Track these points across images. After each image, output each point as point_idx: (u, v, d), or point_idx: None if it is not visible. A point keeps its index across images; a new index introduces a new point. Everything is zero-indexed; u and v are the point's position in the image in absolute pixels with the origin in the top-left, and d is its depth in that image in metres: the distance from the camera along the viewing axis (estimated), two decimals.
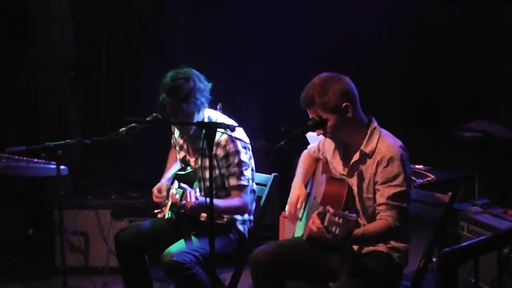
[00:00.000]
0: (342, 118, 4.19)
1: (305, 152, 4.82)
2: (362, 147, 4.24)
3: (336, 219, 3.81)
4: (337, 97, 4.16)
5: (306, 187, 4.73)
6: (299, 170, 4.76)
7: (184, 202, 4.64)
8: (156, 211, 5.16)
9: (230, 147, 4.84)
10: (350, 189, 4.28)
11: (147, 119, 4.69)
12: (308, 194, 4.71)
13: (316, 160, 4.74)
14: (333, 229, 3.80)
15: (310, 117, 4.23)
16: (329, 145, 4.50)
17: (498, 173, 6.60)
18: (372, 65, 7.49)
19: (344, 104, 4.16)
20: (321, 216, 3.90)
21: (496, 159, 6.54)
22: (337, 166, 4.42)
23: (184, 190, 4.69)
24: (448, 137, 6.54)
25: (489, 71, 7.21)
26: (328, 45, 7.57)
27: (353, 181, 4.29)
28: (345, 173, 4.34)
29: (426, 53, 7.61)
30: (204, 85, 4.83)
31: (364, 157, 4.24)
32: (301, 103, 4.25)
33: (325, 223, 3.85)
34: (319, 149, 4.67)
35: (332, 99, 4.15)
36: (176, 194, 4.77)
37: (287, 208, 4.62)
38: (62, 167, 4.78)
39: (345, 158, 4.36)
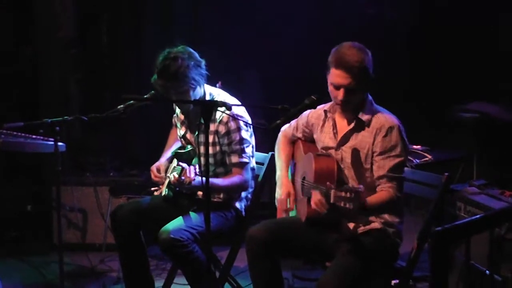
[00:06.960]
0: (367, 87, 4.25)
1: (280, 136, 4.78)
2: (359, 115, 4.27)
3: (343, 194, 3.79)
4: (371, 65, 4.21)
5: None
6: (280, 159, 4.71)
7: (183, 178, 4.65)
8: (153, 188, 5.16)
9: (232, 124, 4.83)
10: (337, 162, 4.28)
11: (146, 96, 4.68)
12: (292, 176, 4.68)
13: (293, 142, 4.73)
14: (342, 204, 3.79)
15: (337, 83, 4.19)
16: (317, 119, 4.51)
17: (496, 154, 6.60)
18: (371, 42, 7.49)
19: (372, 74, 4.22)
20: (325, 195, 3.90)
21: (494, 140, 6.53)
22: (326, 140, 4.42)
23: (183, 167, 4.70)
24: (447, 117, 6.53)
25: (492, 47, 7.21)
26: (328, 22, 7.56)
27: (345, 154, 4.31)
28: (334, 145, 4.35)
29: (425, 30, 7.62)
30: (196, 62, 4.77)
31: (360, 126, 4.27)
32: (341, 63, 4.16)
33: (332, 200, 3.84)
34: (297, 128, 4.66)
35: (370, 66, 4.20)
36: (175, 172, 4.79)
37: (278, 204, 4.57)
38: (60, 143, 4.78)
39: (336, 131, 4.38)
